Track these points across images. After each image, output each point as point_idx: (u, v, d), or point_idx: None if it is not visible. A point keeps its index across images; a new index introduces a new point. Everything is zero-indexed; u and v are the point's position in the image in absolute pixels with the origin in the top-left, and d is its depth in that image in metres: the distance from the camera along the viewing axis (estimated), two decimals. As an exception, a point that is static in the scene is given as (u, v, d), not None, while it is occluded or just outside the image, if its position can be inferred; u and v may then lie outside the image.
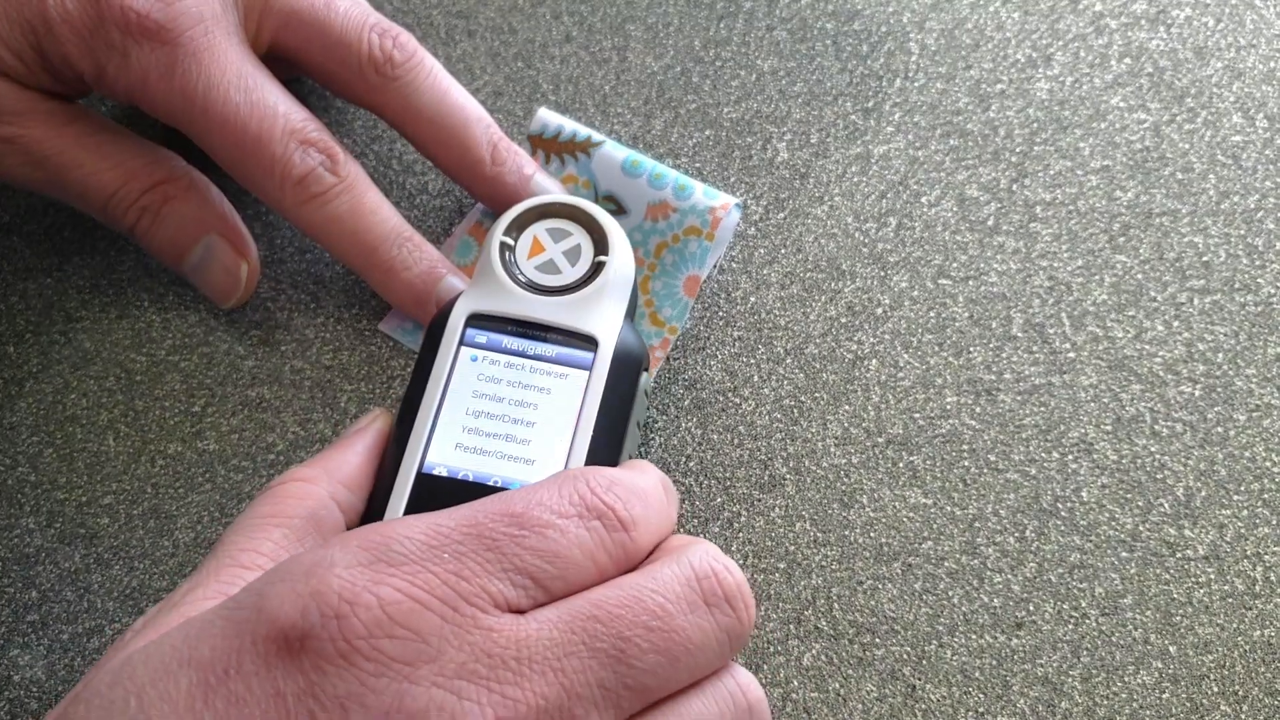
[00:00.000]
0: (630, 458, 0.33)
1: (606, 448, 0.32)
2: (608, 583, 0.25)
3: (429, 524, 0.25)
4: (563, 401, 0.32)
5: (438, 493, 0.31)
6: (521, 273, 0.34)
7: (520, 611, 0.24)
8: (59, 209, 0.40)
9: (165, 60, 0.33)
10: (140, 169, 0.36)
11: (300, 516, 0.29)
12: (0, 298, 0.39)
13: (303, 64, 0.37)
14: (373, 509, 0.31)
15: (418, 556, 0.24)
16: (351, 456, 0.31)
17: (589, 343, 0.32)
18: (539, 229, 0.35)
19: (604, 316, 0.33)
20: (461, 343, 0.33)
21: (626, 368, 0.32)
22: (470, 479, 0.31)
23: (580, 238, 0.34)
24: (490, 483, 0.31)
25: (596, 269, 0.34)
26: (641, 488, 0.28)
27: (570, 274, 0.34)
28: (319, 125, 0.35)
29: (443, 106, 0.36)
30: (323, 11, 0.35)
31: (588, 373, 0.32)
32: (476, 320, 0.33)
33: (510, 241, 0.34)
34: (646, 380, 0.34)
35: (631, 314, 0.35)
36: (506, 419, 0.32)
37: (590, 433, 0.31)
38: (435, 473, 0.31)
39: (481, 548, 0.24)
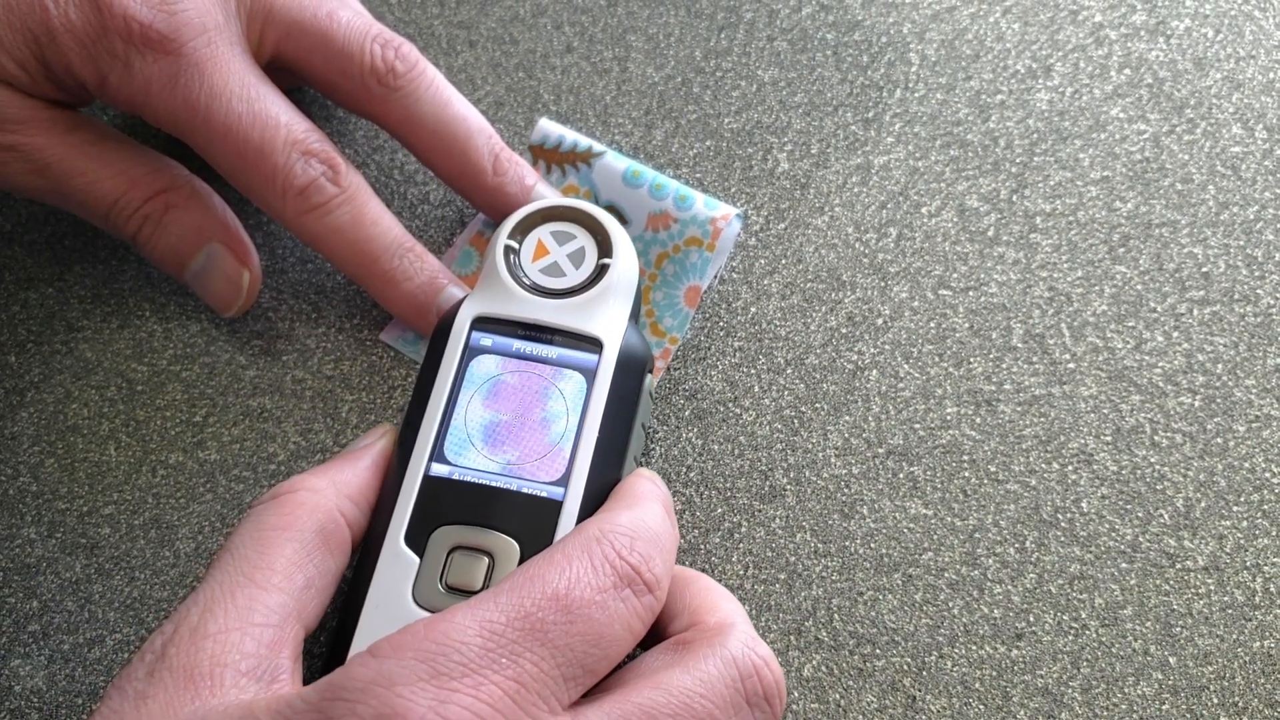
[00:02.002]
0: (634, 459, 0.33)
1: (611, 449, 0.32)
2: (655, 684, 0.26)
3: (480, 622, 0.25)
4: (568, 403, 0.32)
5: (444, 495, 0.31)
6: (526, 275, 0.34)
7: (575, 705, 0.25)
8: (60, 217, 0.40)
9: (168, 70, 0.33)
10: (142, 177, 0.36)
11: (310, 531, 0.29)
12: (2, 307, 0.39)
13: (305, 74, 0.37)
14: (380, 511, 0.31)
15: (476, 664, 0.24)
16: (358, 470, 0.31)
17: (594, 344, 0.33)
18: (543, 232, 0.35)
19: (608, 318, 0.33)
20: (467, 345, 0.33)
21: (631, 369, 0.33)
22: (476, 481, 0.31)
23: (584, 240, 0.35)
24: (496, 485, 0.31)
25: (601, 271, 0.34)
26: (653, 530, 0.29)
27: (575, 276, 0.34)
28: (321, 136, 0.35)
29: (444, 117, 0.36)
30: (325, 22, 0.36)
31: (593, 374, 0.32)
32: (482, 323, 0.33)
33: (515, 245, 0.34)
34: (650, 382, 0.34)
35: (636, 316, 0.35)
36: (512, 421, 0.32)
37: (595, 434, 0.31)
38: (442, 475, 0.31)
39: (535, 643, 0.25)
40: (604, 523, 0.28)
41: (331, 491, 0.30)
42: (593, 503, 0.31)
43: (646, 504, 0.30)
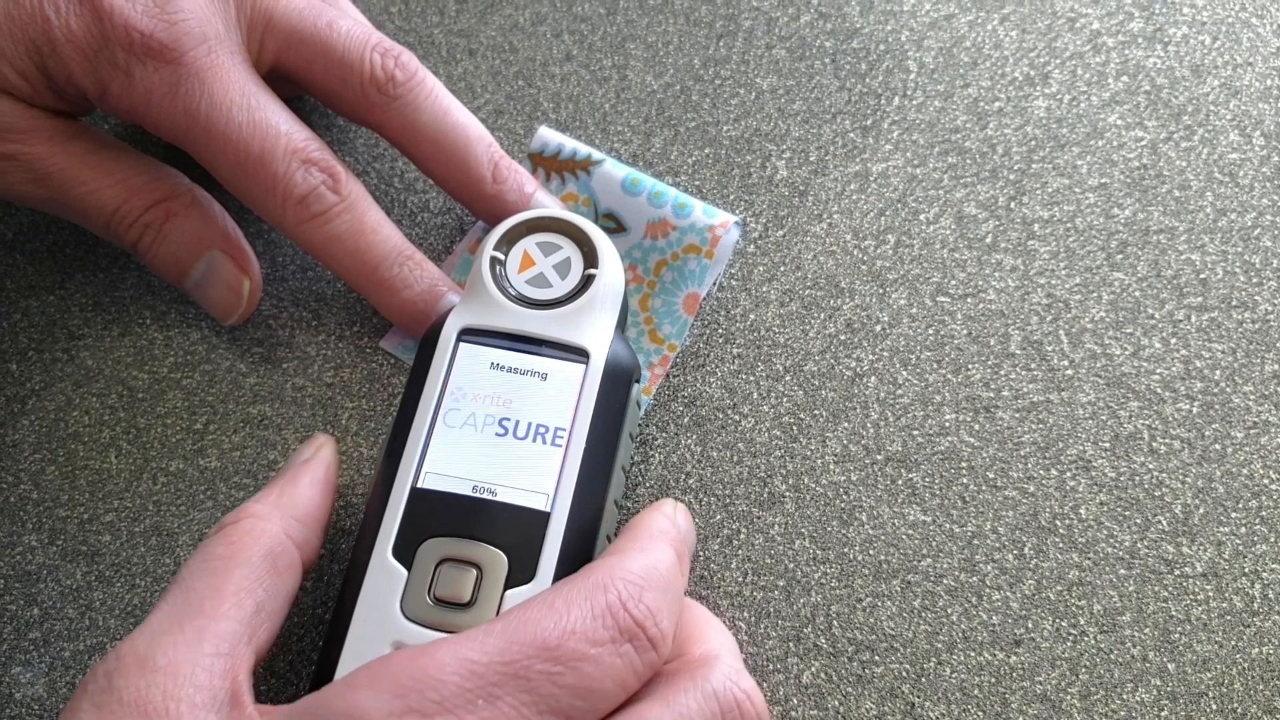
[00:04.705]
0: (622, 469, 0.33)
1: (599, 460, 0.32)
2: (633, 717, 0.25)
3: (461, 660, 0.24)
4: (554, 414, 0.32)
5: (432, 507, 0.31)
6: (512, 286, 0.34)
7: None
8: (61, 226, 0.40)
9: (168, 80, 0.33)
10: (143, 186, 0.36)
11: (258, 557, 0.29)
12: (3, 315, 0.39)
13: (305, 83, 0.37)
14: (367, 524, 0.31)
15: (453, 703, 0.24)
16: (302, 490, 0.31)
17: (580, 355, 0.33)
18: (529, 243, 0.35)
19: (595, 328, 0.33)
20: (453, 356, 0.33)
21: (618, 379, 0.33)
22: (463, 493, 0.31)
23: (570, 251, 0.35)
24: (483, 497, 0.31)
25: (586, 282, 0.34)
26: (664, 579, 0.27)
27: (561, 287, 0.34)
28: (321, 144, 0.35)
29: (444, 125, 0.36)
30: (325, 31, 0.36)
31: (579, 385, 0.32)
32: (468, 334, 0.33)
33: (501, 256, 0.35)
34: (638, 391, 0.34)
35: (622, 325, 0.35)
36: (498, 432, 0.32)
37: (583, 445, 0.31)
38: (429, 487, 0.31)
39: (517, 688, 0.24)
40: (614, 568, 0.27)
41: (276, 515, 0.30)
42: (580, 514, 0.31)
43: (660, 547, 0.29)
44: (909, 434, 0.37)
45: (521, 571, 0.30)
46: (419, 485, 0.31)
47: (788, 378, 0.38)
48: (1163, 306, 0.38)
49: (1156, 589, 0.35)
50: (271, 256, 0.40)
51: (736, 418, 0.37)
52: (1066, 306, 0.38)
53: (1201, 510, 0.36)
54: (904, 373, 0.38)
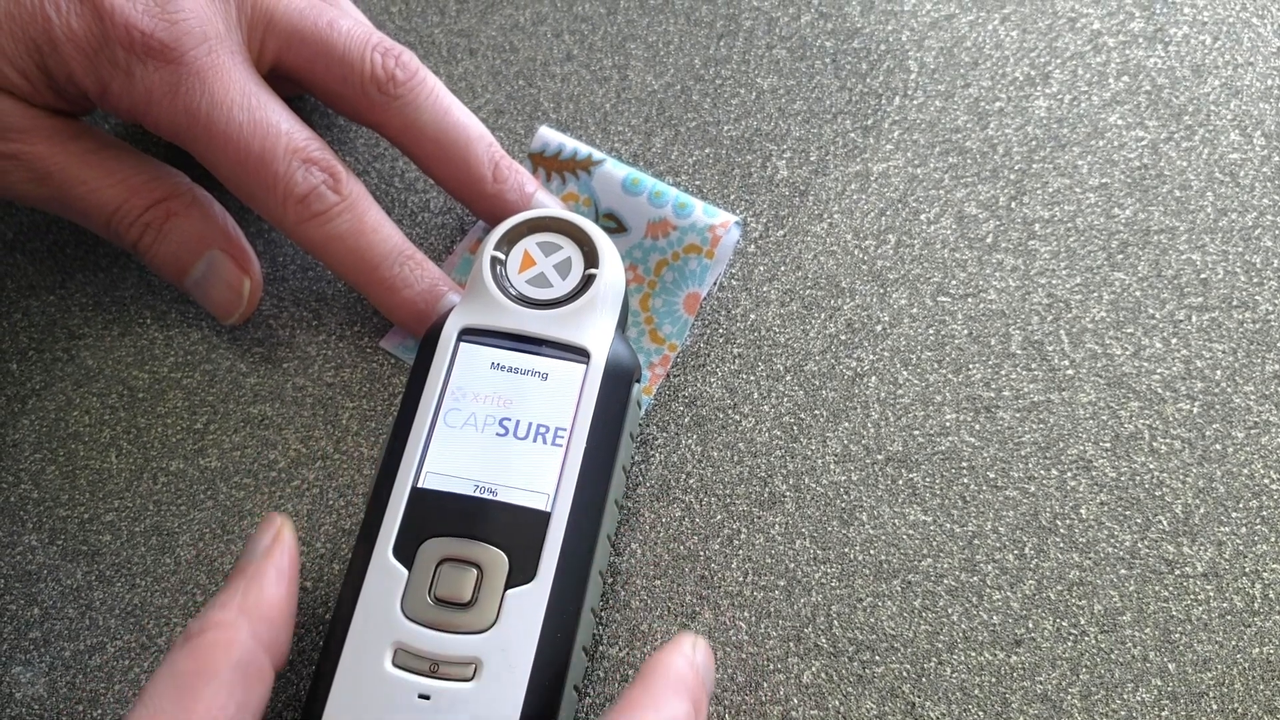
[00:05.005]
0: (623, 469, 0.33)
1: (600, 460, 0.32)
2: None
3: None
4: (555, 414, 0.32)
5: (432, 507, 0.31)
6: (513, 286, 0.34)
7: None
8: (62, 226, 0.40)
9: (169, 79, 0.33)
10: (143, 185, 0.36)
11: (227, 670, 0.27)
12: (3, 315, 0.39)
13: (306, 82, 0.37)
14: (368, 524, 0.31)
15: None
16: (269, 588, 0.29)
17: (581, 355, 0.33)
18: (529, 243, 0.35)
19: (595, 328, 0.33)
20: (454, 356, 0.33)
21: (618, 379, 0.33)
22: (464, 493, 0.31)
23: (570, 251, 0.35)
24: (483, 497, 0.31)
25: (587, 282, 0.34)
26: None
27: (561, 287, 0.34)
28: (321, 144, 0.35)
29: (444, 125, 0.36)
30: (325, 31, 0.36)
31: (580, 385, 0.32)
32: (469, 334, 0.33)
33: (501, 256, 0.35)
34: (638, 391, 0.34)
35: (623, 325, 0.35)
36: (499, 432, 0.32)
37: (583, 445, 0.32)
38: (430, 486, 0.31)
39: None
40: None
41: (243, 622, 0.28)
42: (581, 514, 0.31)
43: (675, 703, 0.27)
44: (909, 434, 0.37)
45: (522, 571, 0.30)
46: (419, 485, 0.31)
47: (788, 377, 0.38)
48: (1163, 306, 0.38)
49: (1157, 589, 0.35)
50: (272, 256, 0.40)
51: (737, 417, 0.37)
52: (1067, 306, 0.38)
53: (1202, 510, 0.36)
54: (904, 373, 0.38)
